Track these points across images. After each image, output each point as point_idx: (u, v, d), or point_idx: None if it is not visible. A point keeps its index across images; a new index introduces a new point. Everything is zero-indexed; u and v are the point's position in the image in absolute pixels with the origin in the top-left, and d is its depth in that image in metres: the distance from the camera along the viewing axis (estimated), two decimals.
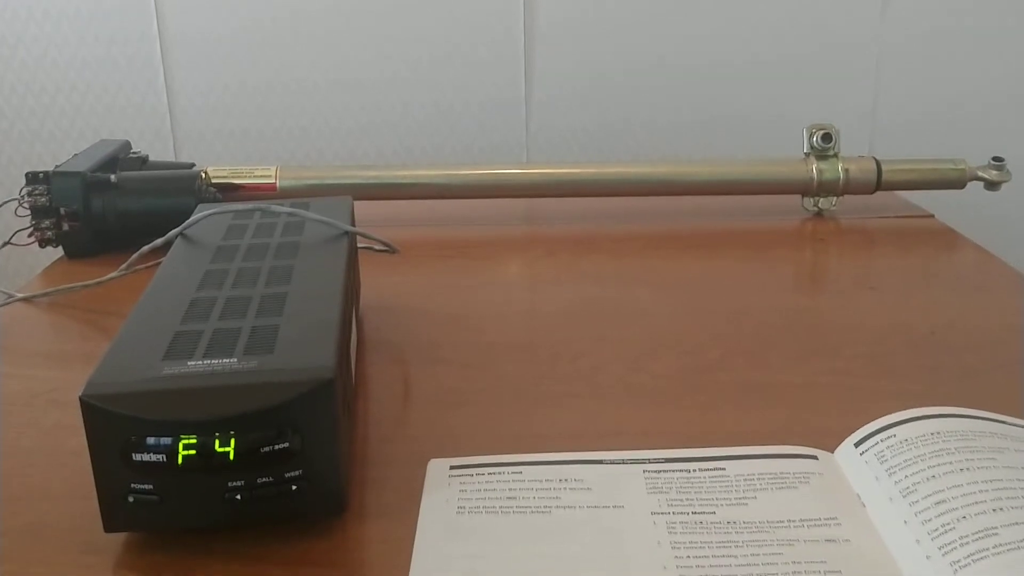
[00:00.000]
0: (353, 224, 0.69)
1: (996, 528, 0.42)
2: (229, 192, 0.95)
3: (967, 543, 0.42)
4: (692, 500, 0.49)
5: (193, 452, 0.44)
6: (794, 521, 0.47)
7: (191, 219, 0.68)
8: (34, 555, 0.47)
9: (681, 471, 0.51)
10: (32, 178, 0.87)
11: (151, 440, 0.44)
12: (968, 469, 0.46)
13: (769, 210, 1.00)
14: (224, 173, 0.96)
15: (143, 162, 0.98)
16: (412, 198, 1.00)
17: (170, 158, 1.27)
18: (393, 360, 0.67)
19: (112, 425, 0.44)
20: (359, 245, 0.73)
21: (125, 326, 0.51)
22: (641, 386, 0.63)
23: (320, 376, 0.45)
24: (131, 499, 0.45)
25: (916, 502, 0.45)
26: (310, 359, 0.46)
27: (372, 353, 0.68)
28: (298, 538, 0.47)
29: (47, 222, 0.87)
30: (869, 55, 1.24)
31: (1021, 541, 0.41)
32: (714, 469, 0.51)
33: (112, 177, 0.88)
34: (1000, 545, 0.41)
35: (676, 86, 1.25)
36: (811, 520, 0.47)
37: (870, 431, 0.51)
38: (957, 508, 0.44)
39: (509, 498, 0.49)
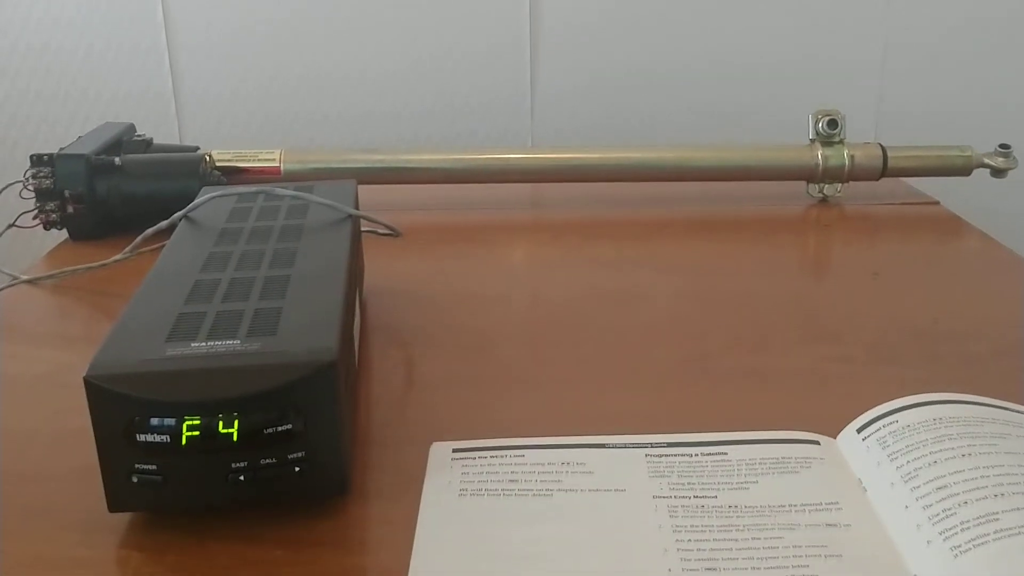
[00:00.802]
0: (357, 208, 0.69)
1: (997, 513, 0.42)
2: (233, 175, 0.95)
3: (968, 528, 0.42)
4: (694, 484, 0.49)
5: (197, 433, 0.44)
6: (795, 506, 0.47)
7: (195, 202, 0.68)
8: (39, 535, 0.47)
9: (683, 455, 0.51)
10: (37, 160, 0.87)
11: (155, 421, 0.44)
12: (970, 455, 0.46)
13: (774, 196, 1.00)
14: (228, 156, 0.96)
15: (147, 145, 0.98)
16: (416, 183, 1.00)
17: (175, 143, 1.27)
18: (396, 343, 0.68)
19: (116, 405, 0.44)
20: (363, 229, 0.73)
21: (129, 308, 0.51)
22: (644, 370, 0.63)
23: (323, 358, 0.45)
24: (135, 479, 0.45)
25: (917, 487, 0.45)
26: (313, 341, 0.47)
27: (375, 336, 0.68)
28: (301, 519, 0.47)
29: (51, 204, 0.87)
30: (875, 48, 1.23)
31: (1022, 526, 0.41)
32: (716, 453, 0.51)
33: (116, 160, 0.88)
34: (1001, 530, 0.41)
35: (681, 79, 1.25)
36: (812, 505, 0.47)
37: (872, 417, 0.51)
38: (958, 493, 0.44)
39: (511, 481, 0.49)
